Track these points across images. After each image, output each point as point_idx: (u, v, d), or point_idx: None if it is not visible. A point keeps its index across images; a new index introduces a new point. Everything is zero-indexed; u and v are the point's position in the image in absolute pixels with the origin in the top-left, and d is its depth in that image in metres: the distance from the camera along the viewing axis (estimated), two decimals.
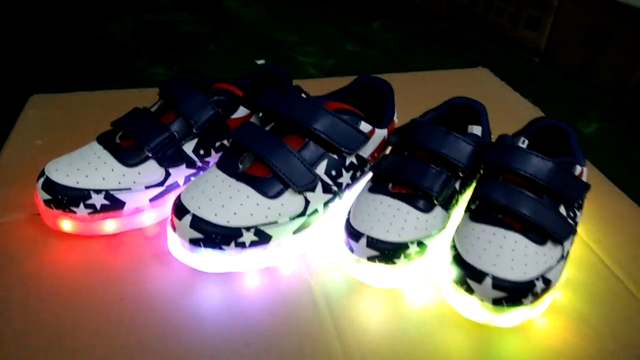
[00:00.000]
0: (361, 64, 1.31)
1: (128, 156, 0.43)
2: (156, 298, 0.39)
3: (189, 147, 0.46)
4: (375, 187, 0.45)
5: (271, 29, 1.48)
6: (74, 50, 1.31)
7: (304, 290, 0.41)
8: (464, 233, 0.41)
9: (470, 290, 0.37)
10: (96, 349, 0.35)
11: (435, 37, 1.46)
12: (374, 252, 0.40)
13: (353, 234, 0.41)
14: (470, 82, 0.80)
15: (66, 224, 0.43)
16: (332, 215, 0.47)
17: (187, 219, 0.39)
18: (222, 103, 0.47)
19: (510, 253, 0.38)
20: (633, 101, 1.06)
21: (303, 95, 0.48)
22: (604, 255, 0.47)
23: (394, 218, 0.41)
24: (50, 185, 0.41)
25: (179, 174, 0.46)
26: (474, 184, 0.48)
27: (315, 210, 0.44)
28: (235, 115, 0.48)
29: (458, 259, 0.39)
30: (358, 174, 0.48)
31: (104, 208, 0.42)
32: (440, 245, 0.43)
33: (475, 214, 0.42)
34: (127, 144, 0.45)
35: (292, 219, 0.43)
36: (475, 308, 0.38)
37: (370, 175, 0.48)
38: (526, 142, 0.46)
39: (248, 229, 0.40)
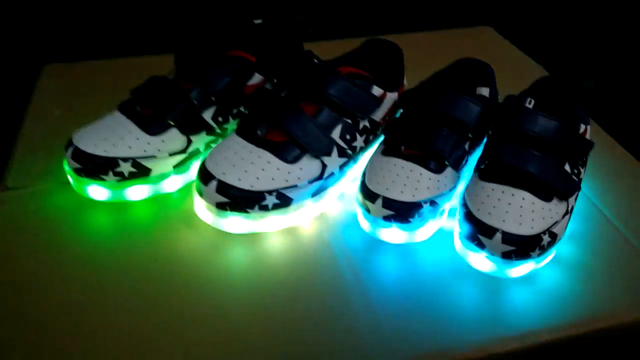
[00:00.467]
0: (358, 20, 1.30)
1: (151, 125, 0.45)
2: (188, 259, 0.42)
3: (208, 115, 0.48)
4: (388, 150, 0.47)
5: None
6: (67, 18, 1.30)
7: (324, 248, 0.44)
8: (474, 191, 0.43)
9: (481, 245, 0.40)
10: (139, 306, 0.38)
11: None
12: (389, 212, 0.42)
13: (369, 195, 0.43)
14: (474, 41, 0.80)
15: (96, 191, 0.45)
16: (347, 177, 0.49)
17: (213, 184, 0.42)
18: (238, 70, 0.48)
19: (518, 210, 0.41)
20: None
21: (315, 60, 0.49)
22: (605, 209, 0.50)
23: (407, 179, 0.44)
24: (79, 155, 0.43)
25: (200, 140, 0.48)
26: (482, 144, 0.50)
27: (332, 174, 0.47)
28: (250, 82, 0.50)
29: (469, 216, 0.41)
30: (371, 137, 0.50)
31: (131, 175, 0.44)
32: (451, 204, 0.46)
33: (484, 173, 0.44)
34: (149, 112, 0.46)
35: (311, 182, 0.45)
36: (485, 261, 0.41)
37: (382, 137, 0.50)
38: (532, 102, 0.47)
39: (270, 192, 0.43)
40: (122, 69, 0.67)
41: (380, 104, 0.48)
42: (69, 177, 0.46)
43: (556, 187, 0.42)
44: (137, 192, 0.46)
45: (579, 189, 0.45)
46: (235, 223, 0.43)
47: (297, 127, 0.44)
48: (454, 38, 0.81)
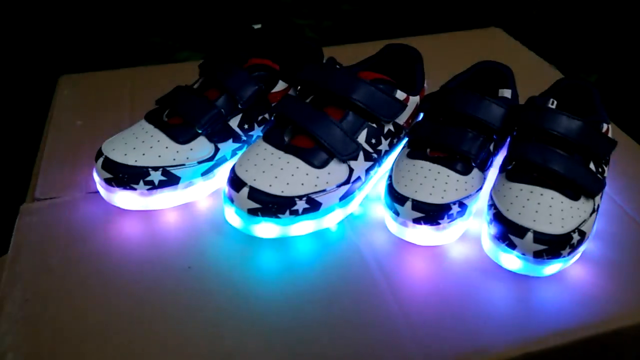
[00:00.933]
0: (359, 23, 1.31)
1: (179, 134, 0.46)
2: (221, 265, 0.42)
3: (234, 122, 0.48)
4: (414, 153, 0.47)
5: None
6: (70, 28, 1.30)
7: (353, 251, 0.45)
8: (502, 192, 0.44)
9: (512, 245, 0.41)
10: (173, 314, 0.38)
11: None
12: (419, 214, 0.43)
13: (398, 198, 0.44)
14: (484, 42, 0.81)
15: (126, 201, 0.45)
16: (372, 181, 0.49)
17: (245, 190, 0.42)
18: (263, 78, 0.49)
19: (547, 209, 0.41)
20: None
21: (337, 67, 0.50)
22: (626, 206, 0.50)
23: (435, 181, 0.44)
24: (110, 165, 0.44)
25: (227, 148, 0.48)
26: (504, 145, 0.50)
27: (359, 178, 0.47)
28: (275, 90, 0.50)
29: (499, 217, 0.42)
30: (395, 140, 0.50)
31: (161, 184, 0.45)
32: (479, 204, 0.46)
33: (512, 174, 0.45)
34: (176, 122, 0.47)
35: (338, 186, 0.45)
36: (516, 261, 0.41)
37: (404, 140, 0.51)
38: (555, 102, 0.48)
39: (300, 197, 0.43)
40: (139, 77, 0.67)
41: (404, 108, 0.48)
42: (98, 186, 0.46)
43: (583, 185, 0.43)
44: (166, 200, 0.46)
45: (604, 186, 0.45)
46: (266, 228, 0.43)
47: (324, 132, 0.45)
48: (464, 40, 0.82)
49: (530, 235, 0.40)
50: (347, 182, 0.46)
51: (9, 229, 0.45)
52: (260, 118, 0.50)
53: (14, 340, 0.36)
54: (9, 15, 1.32)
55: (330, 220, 0.46)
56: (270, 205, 0.42)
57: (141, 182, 0.44)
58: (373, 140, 0.48)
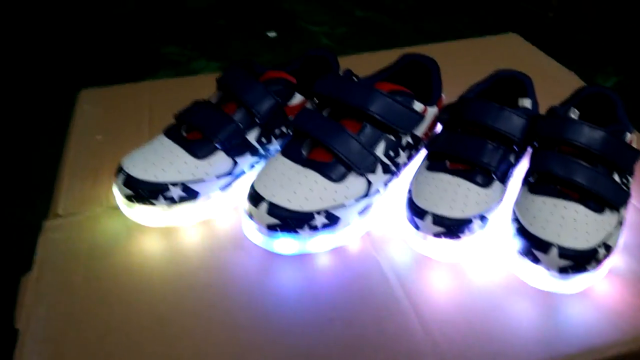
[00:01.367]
0: (373, 29, 1.30)
1: (198, 149, 0.46)
2: (241, 282, 0.42)
3: (252, 136, 0.48)
4: (433, 165, 0.47)
5: (279, 0, 1.47)
6: (84, 39, 1.32)
7: (374, 267, 0.44)
8: (525, 205, 0.43)
9: (536, 260, 0.40)
10: (196, 332, 0.38)
11: None
12: (439, 229, 0.42)
13: (418, 212, 0.43)
14: (501, 49, 0.80)
15: (147, 216, 0.46)
16: (391, 193, 0.49)
17: (264, 206, 0.42)
18: (280, 92, 0.49)
19: (572, 223, 0.40)
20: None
21: (354, 78, 0.50)
22: None
23: (455, 195, 0.44)
24: (131, 181, 0.44)
25: (245, 162, 0.48)
26: (525, 156, 0.49)
27: (377, 191, 0.47)
28: (292, 103, 0.50)
29: (522, 231, 0.41)
30: (413, 152, 0.50)
31: (181, 199, 0.45)
32: (500, 218, 0.45)
33: (534, 186, 0.44)
34: (194, 136, 0.47)
35: (357, 200, 0.45)
36: (541, 277, 0.40)
37: (423, 151, 0.50)
38: (577, 112, 0.47)
39: (319, 212, 0.43)
40: (157, 90, 0.68)
41: (422, 119, 0.48)
42: (119, 203, 0.46)
43: (607, 197, 0.42)
44: (185, 215, 0.46)
45: (629, 197, 0.44)
46: (285, 244, 0.43)
47: (342, 145, 0.45)
48: (481, 47, 0.81)
49: (554, 250, 0.39)
50: (365, 195, 0.46)
51: (30, 245, 0.45)
52: (278, 132, 0.50)
53: None
54: (27, 28, 1.34)
55: (350, 235, 0.46)
56: (289, 220, 0.42)
57: (161, 198, 0.44)
58: (391, 153, 0.47)
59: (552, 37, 1.20)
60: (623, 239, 0.45)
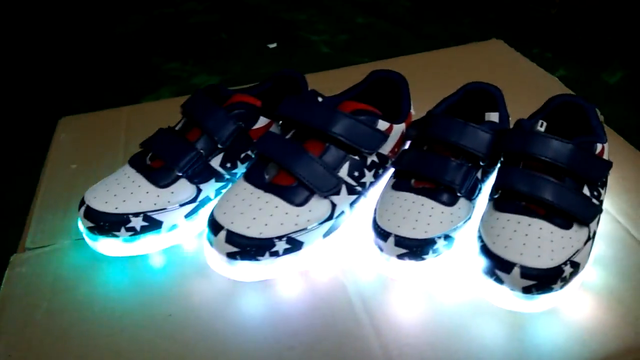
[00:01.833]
0: (374, 36, 1.30)
1: (160, 177, 0.46)
2: (202, 311, 0.42)
3: (215, 162, 0.48)
4: (398, 184, 0.46)
5: (279, 10, 1.47)
6: (88, 57, 1.34)
7: (339, 290, 0.43)
8: (489, 223, 0.42)
9: (499, 280, 0.39)
10: None
11: None
12: (402, 250, 0.41)
13: (381, 233, 0.42)
14: (484, 56, 0.79)
15: (110, 247, 0.45)
16: (358, 214, 0.48)
17: (222, 234, 0.41)
18: (243, 116, 0.49)
19: (536, 241, 0.39)
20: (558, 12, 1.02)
21: (319, 98, 0.49)
22: (632, 228, 0.48)
23: (419, 214, 0.43)
24: (91, 214, 0.44)
25: (210, 188, 0.48)
26: (495, 171, 0.48)
27: (342, 212, 0.46)
28: (256, 126, 0.50)
29: (485, 250, 0.40)
30: (380, 171, 0.49)
31: (143, 229, 0.45)
32: (467, 236, 0.44)
33: (498, 203, 0.43)
34: (158, 164, 0.47)
35: (321, 223, 0.44)
36: (505, 297, 0.39)
37: (391, 169, 0.49)
38: (544, 124, 0.46)
39: (280, 238, 0.42)
40: (137, 115, 0.68)
41: (386, 138, 0.47)
42: (83, 234, 0.46)
43: (575, 213, 0.41)
44: (149, 245, 0.46)
45: (600, 211, 0.43)
46: (246, 271, 0.43)
47: (303, 168, 0.44)
48: (463, 54, 0.80)
49: (517, 270, 0.38)
50: (330, 217, 0.45)
51: None
52: (243, 156, 0.50)
53: None
54: (22, 48, 1.36)
55: (314, 259, 0.45)
56: (249, 247, 0.42)
57: (123, 229, 0.44)
58: (356, 173, 0.46)
59: (555, 34, 1.18)
60: (596, 252, 0.44)
